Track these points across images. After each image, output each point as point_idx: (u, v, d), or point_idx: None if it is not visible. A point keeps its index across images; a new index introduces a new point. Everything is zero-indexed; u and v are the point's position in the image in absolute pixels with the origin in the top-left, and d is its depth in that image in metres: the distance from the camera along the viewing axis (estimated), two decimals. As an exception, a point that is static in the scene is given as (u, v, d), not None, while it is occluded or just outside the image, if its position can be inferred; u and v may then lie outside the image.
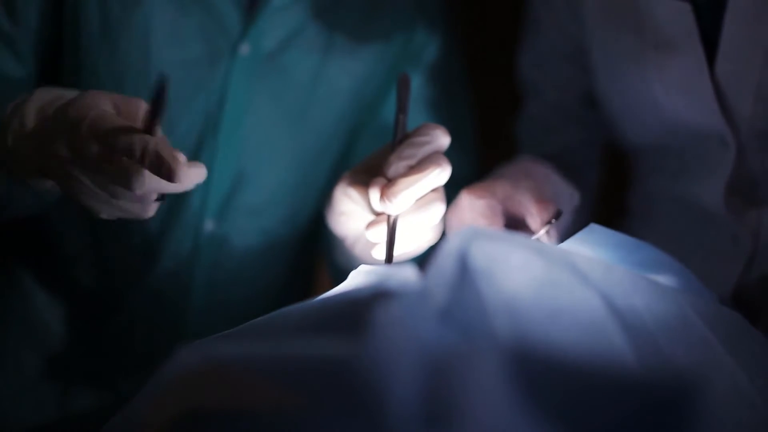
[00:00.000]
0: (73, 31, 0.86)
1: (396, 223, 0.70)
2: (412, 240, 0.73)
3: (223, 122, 0.89)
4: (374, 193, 0.70)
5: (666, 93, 0.87)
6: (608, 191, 1.09)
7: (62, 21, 0.86)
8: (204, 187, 0.89)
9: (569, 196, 0.85)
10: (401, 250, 0.72)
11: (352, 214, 0.74)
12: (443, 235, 0.76)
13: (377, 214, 0.72)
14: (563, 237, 0.72)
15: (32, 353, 0.97)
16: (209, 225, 0.93)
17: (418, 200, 0.70)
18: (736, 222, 0.87)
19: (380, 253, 0.71)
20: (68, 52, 0.87)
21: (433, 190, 0.70)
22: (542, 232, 0.75)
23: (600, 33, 0.92)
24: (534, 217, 0.76)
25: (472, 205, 0.77)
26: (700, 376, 0.49)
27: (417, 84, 0.96)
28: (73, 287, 0.97)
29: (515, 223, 0.78)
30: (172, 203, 0.91)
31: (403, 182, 0.69)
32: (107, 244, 0.94)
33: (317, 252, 1.06)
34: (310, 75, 0.92)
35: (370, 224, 0.71)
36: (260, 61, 0.90)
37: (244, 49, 0.89)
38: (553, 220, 0.75)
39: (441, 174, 0.69)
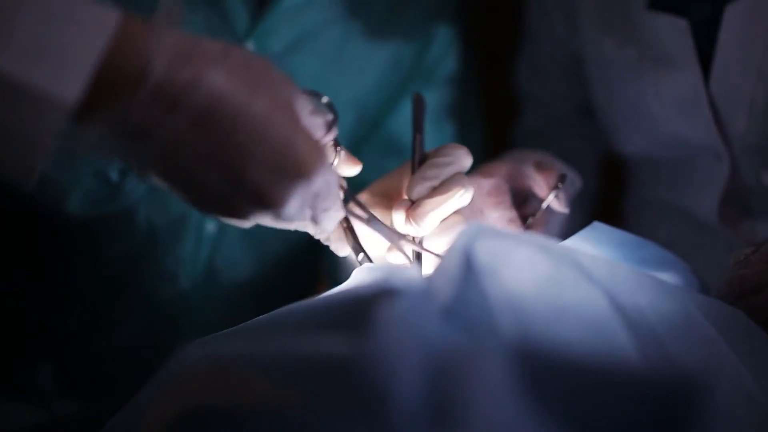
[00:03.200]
0: None
1: (421, 245, 0.69)
2: (433, 262, 0.71)
3: None
4: (399, 215, 0.69)
5: (662, 106, 0.87)
6: (604, 198, 1.08)
7: None
8: None
9: (571, 178, 0.84)
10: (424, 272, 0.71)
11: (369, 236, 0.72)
12: None
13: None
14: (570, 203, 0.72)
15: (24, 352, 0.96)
16: (210, 227, 0.92)
17: (441, 222, 0.69)
18: (732, 233, 0.87)
19: None
20: None
21: (455, 212, 0.69)
22: (551, 197, 0.75)
23: (597, 44, 0.92)
24: (540, 184, 0.75)
25: (479, 186, 0.76)
26: (705, 374, 0.49)
27: (428, 98, 0.95)
28: (67, 288, 0.96)
29: (523, 198, 0.77)
30: (176, 205, 0.90)
31: (429, 203, 0.67)
32: (108, 242, 0.93)
33: (318, 269, 1.05)
34: (312, 82, 0.91)
35: (392, 246, 0.70)
36: None
37: (249, 47, 0.88)
38: (560, 185, 0.75)
39: (465, 195, 0.68)
